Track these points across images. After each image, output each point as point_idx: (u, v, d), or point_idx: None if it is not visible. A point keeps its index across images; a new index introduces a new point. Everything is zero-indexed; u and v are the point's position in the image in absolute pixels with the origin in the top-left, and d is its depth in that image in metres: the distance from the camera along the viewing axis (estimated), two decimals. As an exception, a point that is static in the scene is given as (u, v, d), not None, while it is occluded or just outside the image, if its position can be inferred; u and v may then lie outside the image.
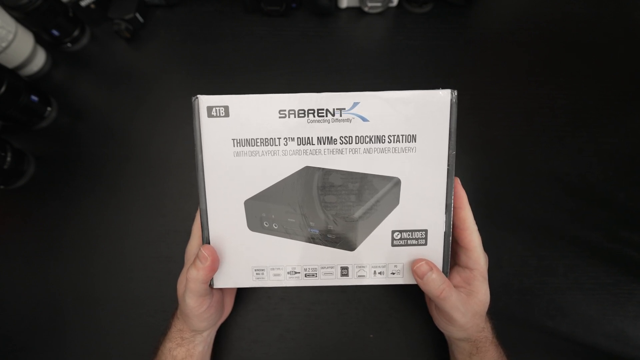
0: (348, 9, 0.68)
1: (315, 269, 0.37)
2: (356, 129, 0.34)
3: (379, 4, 0.65)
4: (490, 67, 0.64)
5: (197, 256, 0.35)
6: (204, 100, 0.33)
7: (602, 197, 0.55)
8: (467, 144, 0.57)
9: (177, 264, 0.41)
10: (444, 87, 0.34)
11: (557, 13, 0.67)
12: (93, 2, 0.64)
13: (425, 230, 0.36)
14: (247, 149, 0.34)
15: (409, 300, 0.49)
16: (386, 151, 0.34)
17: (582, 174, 0.56)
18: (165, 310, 0.49)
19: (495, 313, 0.41)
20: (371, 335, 0.48)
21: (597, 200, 0.54)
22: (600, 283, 0.51)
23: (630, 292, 0.50)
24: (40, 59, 0.62)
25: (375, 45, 0.66)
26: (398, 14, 0.68)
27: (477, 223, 0.37)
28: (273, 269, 0.37)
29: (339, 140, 0.34)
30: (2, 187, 0.56)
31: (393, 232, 0.36)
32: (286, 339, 0.49)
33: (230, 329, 0.48)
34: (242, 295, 0.50)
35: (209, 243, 0.36)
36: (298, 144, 0.34)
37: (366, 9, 0.66)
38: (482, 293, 0.37)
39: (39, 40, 0.62)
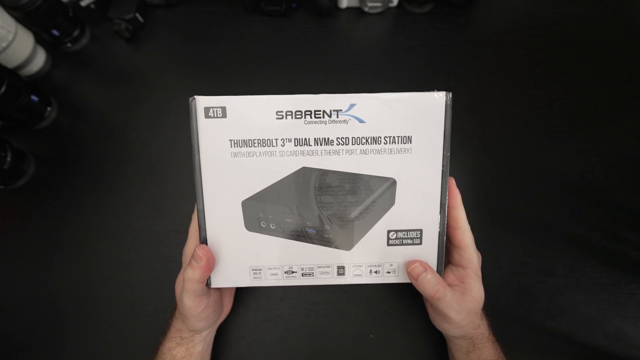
0: (348, 9, 0.68)
1: (312, 269, 0.37)
2: (352, 130, 0.34)
3: (379, 4, 0.65)
4: (490, 67, 0.64)
5: (192, 256, 0.35)
6: (201, 101, 0.33)
7: (602, 197, 0.54)
8: (466, 144, 0.57)
9: (177, 264, 0.41)
10: (442, 89, 0.34)
11: (557, 13, 0.67)
12: (93, 2, 0.64)
13: (420, 230, 0.36)
14: (244, 149, 0.34)
15: (408, 300, 0.49)
16: (382, 152, 0.34)
17: (582, 174, 0.56)
18: (165, 310, 0.49)
19: (495, 313, 0.42)
20: (371, 335, 0.48)
21: (597, 200, 0.54)
22: (600, 283, 0.51)
23: (630, 292, 0.50)
24: (40, 59, 0.62)
25: (375, 45, 0.66)
26: (398, 14, 0.68)
27: (477, 223, 0.37)
28: (270, 268, 0.37)
29: (335, 141, 0.34)
30: (2, 187, 0.56)
31: (389, 231, 0.36)
32: (286, 338, 0.49)
33: (230, 329, 0.49)
34: (242, 295, 0.50)
35: (206, 243, 0.36)
36: (295, 145, 0.34)
37: (366, 9, 0.66)
38: (475, 291, 0.37)
39: (39, 40, 0.62)
